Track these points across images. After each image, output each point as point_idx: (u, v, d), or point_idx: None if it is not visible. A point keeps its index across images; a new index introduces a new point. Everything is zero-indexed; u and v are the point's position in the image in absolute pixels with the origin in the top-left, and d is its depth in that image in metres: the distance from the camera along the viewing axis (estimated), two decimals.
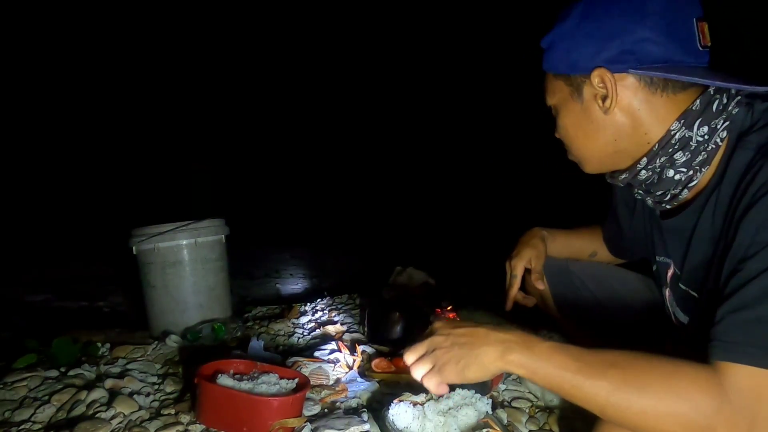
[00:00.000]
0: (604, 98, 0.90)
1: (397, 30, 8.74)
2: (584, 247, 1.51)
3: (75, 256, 4.81)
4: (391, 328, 1.88)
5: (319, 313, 2.43)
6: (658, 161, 0.91)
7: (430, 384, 0.92)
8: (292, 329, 2.21)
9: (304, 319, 2.33)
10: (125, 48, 8.38)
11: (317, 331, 2.14)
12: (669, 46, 0.85)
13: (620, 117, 0.91)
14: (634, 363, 0.76)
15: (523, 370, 0.84)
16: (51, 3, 7.60)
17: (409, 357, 0.96)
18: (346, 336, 2.03)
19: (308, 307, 2.53)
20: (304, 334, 2.14)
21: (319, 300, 2.67)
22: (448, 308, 2.15)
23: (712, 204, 0.88)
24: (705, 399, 0.69)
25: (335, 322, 2.23)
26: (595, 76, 0.89)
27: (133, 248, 2.26)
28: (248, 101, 9.36)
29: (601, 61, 0.88)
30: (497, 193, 6.53)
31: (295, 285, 3.96)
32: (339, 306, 2.54)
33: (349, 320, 2.30)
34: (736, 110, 0.87)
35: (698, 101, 0.87)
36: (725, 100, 0.87)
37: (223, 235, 2.37)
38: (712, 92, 0.87)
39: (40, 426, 1.39)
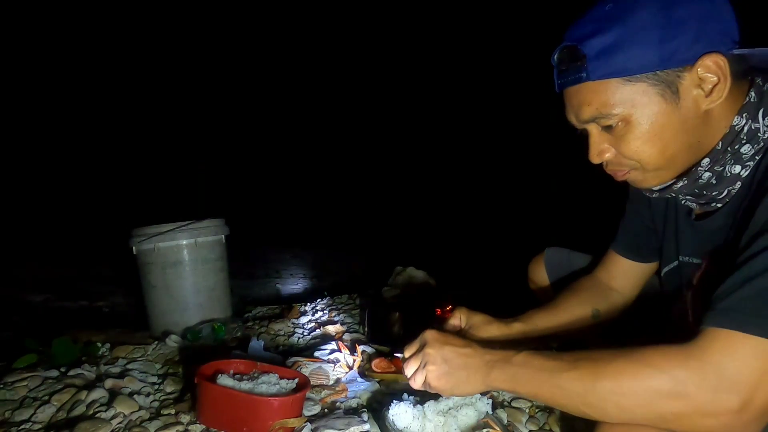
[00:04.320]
0: (712, 88, 0.82)
1: (398, 30, 8.74)
2: (577, 313, 1.29)
3: (75, 256, 4.81)
4: (391, 328, 1.88)
5: (319, 313, 2.43)
6: (723, 159, 0.87)
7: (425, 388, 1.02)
8: (292, 329, 2.21)
9: (304, 319, 2.33)
10: (127, 48, 8.38)
11: (317, 331, 2.14)
12: (737, 25, 0.83)
13: (718, 107, 0.84)
14: (603, 353, 0.80)
15: (506, 384, 0.90)
16: (51, 3, 7.60)
17: (407, 368, 1.04)
18: (346, 336, 2.03)
19: (308, 307, 2.53)
20: (304, 334, 2.14)
21: (319, 300, 2.68)
22: (448, 308, 2.15)
23: (749, 196, 0.87)
24: (670, 361, 0.73)
25: (335, 322, 2.23)
26: (705, 64, 0.80)
27: (134, 248, 2.26)
28: (249, 101, 9.36)
29: (703, 46, 0.80)
30: (497, 194, 6.53)
31: (295, 285, 3.96)
32: (339, 306, 2.55)
33: (349, 320, 2.30)
34: None
35: (752, 92, 0.86)
36: None
37: (223, 235, 2.37)
38: (760, 82, 0.86)
39: (40, 426, 1.39)
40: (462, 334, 1.26)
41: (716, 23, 0.81)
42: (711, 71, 0.81)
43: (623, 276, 1.29)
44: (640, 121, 0.85)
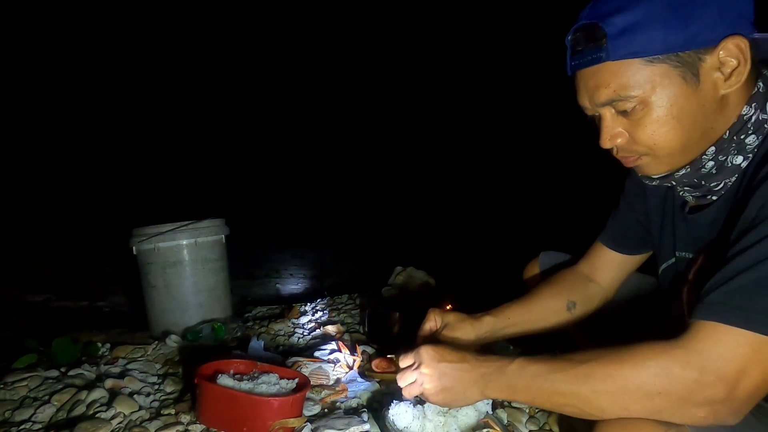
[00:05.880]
0: (731, 72, 0.80)
1: (398, 30, 8.74)
2: (551, 305, 1.30)
3: (75, 256, 4.81)
4: (391, 328, 1.88)
5: (319, 313, 2.43)
6: (728, 148, 0.86)
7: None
8: (292, 329, 2.21)
9: (304, 319, 2.33)
10: (125, 48, 8.38)
11: (317, 331, 2.14)
12: (753, 7, 0.82)
13: (734, 94, 0.83)
14: (595, 352, 0.82)
15: (503, 394, 0.92)
16: (51, 3, 7.60)
17: (401, 380, 1.04)
18: (346, 336, 2.03)
19: (308, 307, 2.53)
20: (305, 334, 2.14)
21: (319, 300, 2.68)
22: (448, 308, 2.15)
23: (741, 189, 0.87)
24: (657, 355, 0.75)
25: (335, 322, 2.23)
26: (727, 46, 0.79)
27: (134, 248, 2.26)
28: (248, 101, 9.36)
29: (726, 28, 0.78)
30: (496, 194, 6.53)
31: (295, 285, 3.96)
32: (339, 306, 2.55)
33: (349, 320, 2.30)
34: None
35: (761, 83, 0.85)
36: None
37: (223, 235, 2.37)
38: (767, 73, 0.86)
39: (40, 426, 1.39)
40: (438, 334, 1.28)
41: (738, 5, 0.80)
42: (732, 54, 0.80)
43: (606, 268, 1.29)
44: (660, 104, 0.82)
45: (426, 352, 1.00)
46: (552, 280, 1.35)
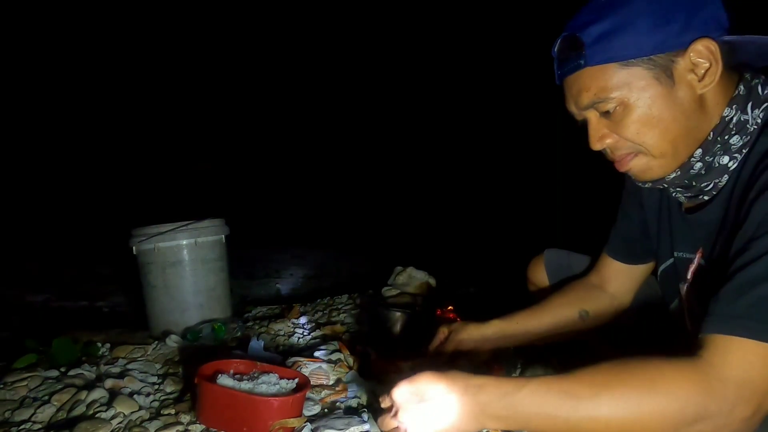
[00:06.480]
0: (704, 73, 0.84)
1: (398, 30, 8.74)
2: (562, 312, 1.30)
3: (75, 256, 4.81)
4: (391, 328, 1.88)
5: (319, 313, 2.43)
6: (713, 149, 0.89)
7: None
8: (292, 329, 2.21)
9: (304, 319, 2.34)
10: (126, 48, 8.38)
11: (317, 331, 2.14)
12: (726, 13, 0.85)
13: (711, 94, 0.87)
14: (616, 375, 0.75)
15: (510, 425, 0.80)
16: (51, 3, 7.60)
17: (381, 426, 0.89)
18: (346, 336, 2.03)
19: (308, 307, 2.53)
20: (304, 334, 2.14)
21: (319, 300, 2.68)
22: (449, 309, 2.15)
23: (737, 190, 0.88)
24: (690, 384, 0.71)
25: (335, 322, 2.23)
26: (696, 49, 0.83)
27: (134, 248, 2.26)
28: (249, 101, 9.36)
29: (695, 32, 0.83)
30: (497, 193, 6.53)
31: (295, 285, 3.96)
32: (339, 306, 2.55)
33: (349, 320, 2.30)
34: None
35: (741, 86, 0.88)
36: (763, 84, 0.88)
37: (223, 235, 2.37)
38: (749, 77, 0.88)
39: (40, 426, 1.39)
40: (445, 343, 1.30)
41: (707, 10, 0.84)
42: (703, 56, 0.84)
43: (615, 278, 1.30)
44: (638, 105, 0.87)
45: (401, 394, 0.83)
46: (562, 291, 1.35)
